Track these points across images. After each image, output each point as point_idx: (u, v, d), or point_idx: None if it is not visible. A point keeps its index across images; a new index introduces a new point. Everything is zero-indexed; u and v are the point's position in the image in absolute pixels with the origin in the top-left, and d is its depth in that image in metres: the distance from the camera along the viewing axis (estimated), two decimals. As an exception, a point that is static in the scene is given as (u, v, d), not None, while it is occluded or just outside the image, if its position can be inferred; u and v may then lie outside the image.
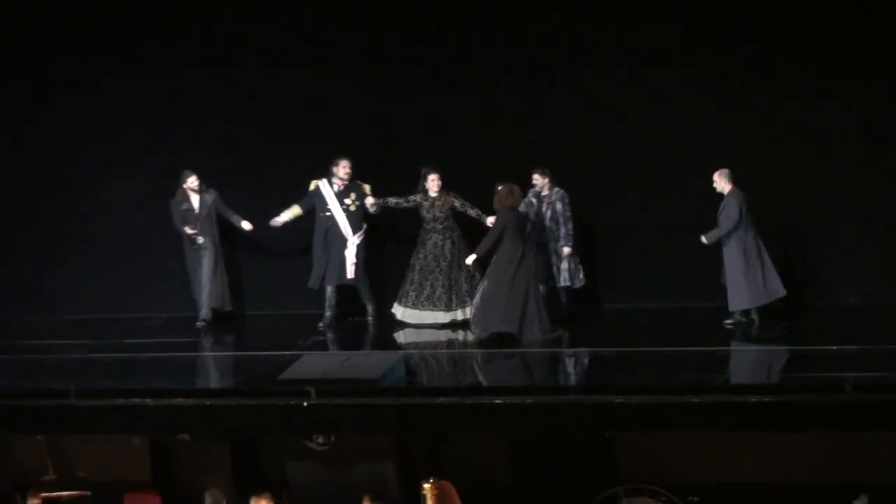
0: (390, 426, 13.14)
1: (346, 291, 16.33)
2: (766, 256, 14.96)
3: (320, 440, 13.47)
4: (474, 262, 15.45)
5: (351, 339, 15.77)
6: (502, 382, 13.57)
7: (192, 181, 16.16)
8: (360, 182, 15.93)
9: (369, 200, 15.80)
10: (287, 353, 14.37)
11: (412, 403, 12.84)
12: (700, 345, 14.12)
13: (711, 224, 15.25)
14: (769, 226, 15.62)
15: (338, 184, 15.69)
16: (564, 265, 15.52)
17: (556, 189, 15.75)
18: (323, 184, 15.84)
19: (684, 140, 16.22)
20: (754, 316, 14.90)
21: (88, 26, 17.40)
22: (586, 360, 14.39)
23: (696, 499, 12.81)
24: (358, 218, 15.74)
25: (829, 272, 15.99)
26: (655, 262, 16.35)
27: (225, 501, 13.75)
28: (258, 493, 13.22)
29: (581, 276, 15.65)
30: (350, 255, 15.80)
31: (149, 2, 17.41)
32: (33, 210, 17.61)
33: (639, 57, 16.32)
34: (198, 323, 16.17)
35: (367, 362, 13.57)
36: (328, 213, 15.80)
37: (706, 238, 15.02)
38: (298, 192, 16.36)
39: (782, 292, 14.97)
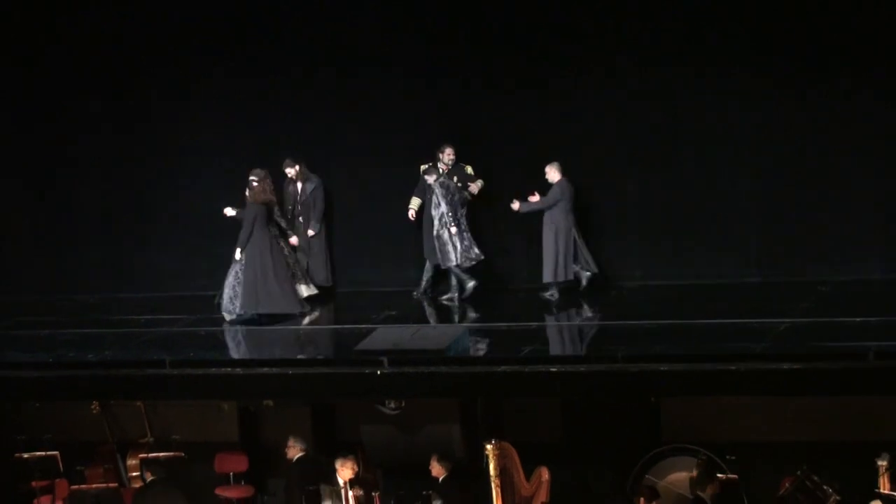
0: (455, 392, 13.32)
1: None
2: (578, 240, 15.40)
3: (392, 405, 13.58)
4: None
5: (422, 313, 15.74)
6: (556, 352, 13.52)
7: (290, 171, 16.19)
8: (462, 164, 16.00)
9: (476, 186, 15.89)
10: (364, 326, 14.43)
11: (475, 371, 12.97)
12: (723, 317, 14.05)
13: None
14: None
15: (443, 168, 15.81)
16: (454, 244, 15.65)
17: (443, 177, 15.98)
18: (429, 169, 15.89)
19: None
20: (555, 291, 15.35)
21: (182, 31, 17.26)
22: (627, 332, 14.08)
23: (732, 457, 12.67)
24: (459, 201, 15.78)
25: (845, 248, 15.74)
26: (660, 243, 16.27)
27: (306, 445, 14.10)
28: (344, 455, 13.41)
29: (475, 251, 15.66)
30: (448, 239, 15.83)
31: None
32: (133, 197, 17.58)
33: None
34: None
35: (433, 334, 13.71)
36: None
37: (516, 205, 15.46)
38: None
39: (590, 272, 15.43)
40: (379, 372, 12.89)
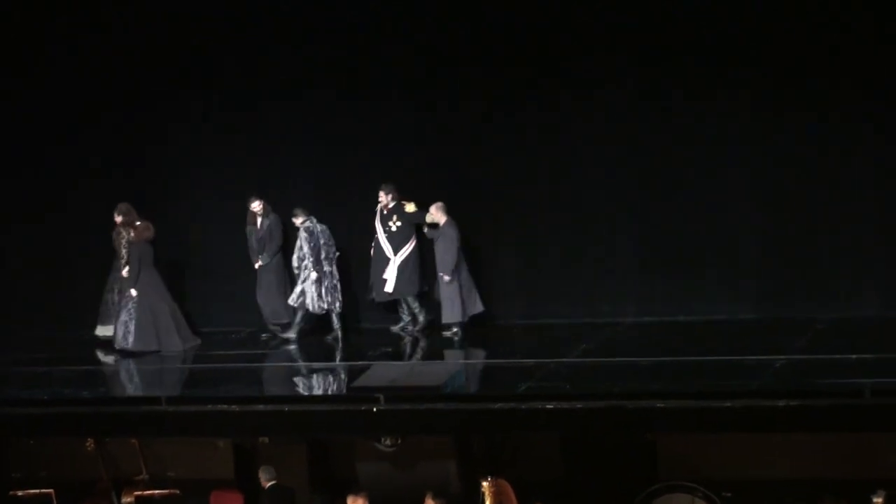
0: (451, 429, 13.29)
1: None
2: (469, 278, 15.57)
3: (388, 442, 13.60)
4: None
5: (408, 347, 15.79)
6: (552, 390, 13.30)
7: (255, 205, 16.25)
8: (403, 202, 15.92)
9: (410, 208, 15.85)
10: (359, 363, 14.56)
11: (471, 408, 12.94)
12: (719, 354, 14.12)
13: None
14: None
15: (384, 209, 15.86)
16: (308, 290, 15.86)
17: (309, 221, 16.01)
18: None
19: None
20: (457, 329, 15.40)
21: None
22: (622, 369, 14.10)
23: (729, 494, 12.78)
24: (401, 238, 15.83)
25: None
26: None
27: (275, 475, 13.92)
28: (355, 492, 13.16)
29: (324, 303, 15.83)
30: (390, 273, 15.90)
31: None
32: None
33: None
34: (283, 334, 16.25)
35: (430, 370, 14.01)
36: (377, 236, 15.99)
37: (447, 278, 15.39)
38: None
39: (478, 309, 15.55)
40: (375, 409, 12.83)
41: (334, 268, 15.91)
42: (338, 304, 15.84)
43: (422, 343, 15.96)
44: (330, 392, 14.61)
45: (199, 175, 17.39)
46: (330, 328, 16.18)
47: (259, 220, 16.26)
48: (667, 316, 15.76)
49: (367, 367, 14.13)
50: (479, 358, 14.37)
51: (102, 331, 16.46)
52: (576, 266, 16.18)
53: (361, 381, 13.52)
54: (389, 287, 15.85)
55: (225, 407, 13.77)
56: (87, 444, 14.46)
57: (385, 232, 15.86)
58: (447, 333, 15.69)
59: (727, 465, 13.21)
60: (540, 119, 16.42)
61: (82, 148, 17.53)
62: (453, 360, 14.26)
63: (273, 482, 13.85)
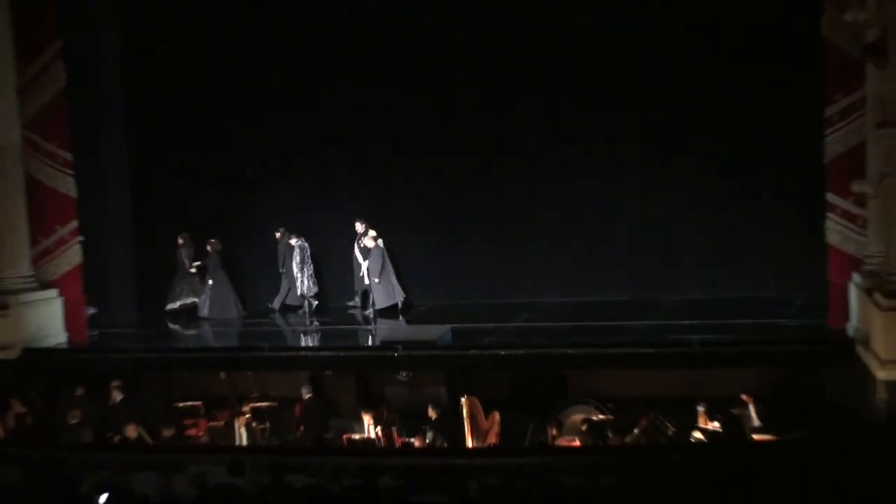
0: (442, 366, 13.42)
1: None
2: (391, 278, 15.24)
3: (404, 374, 13.56)
4: None
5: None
6: (510, 342, 13.37)
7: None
8: (368, 229, 15.50)
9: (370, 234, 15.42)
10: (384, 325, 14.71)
11: (454, 354, 13.26)
12: (605, 321, 14.04)
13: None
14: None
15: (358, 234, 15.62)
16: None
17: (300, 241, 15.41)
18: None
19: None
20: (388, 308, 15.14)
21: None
22: (549, 331, 13.97)
23: (610, 405, 12.52)
24: (366, 252, 15.44)
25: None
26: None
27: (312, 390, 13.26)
28: (366, 409, 12.81)
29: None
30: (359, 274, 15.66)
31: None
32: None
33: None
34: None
35: (428, 331, 13.78)
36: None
37: (374, 277, 15.08)
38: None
39: (401, 297, 15.31)
40: (396, 354, 13.12)
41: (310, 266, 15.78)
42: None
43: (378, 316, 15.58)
44: (366, 343, 14.59)
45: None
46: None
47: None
48: (577, 297, 15.41)
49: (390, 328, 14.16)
50: (456, 323, 14.03)
51: (170, 306, 16.39)
52: (520, 262, 15.83)
53: (385, 337, 13.87)
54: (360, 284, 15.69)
55: (304, 352, 14.31)
56: (221, 375, 14.45)
57: (358, 248, 15.68)
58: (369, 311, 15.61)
59: (609, 387, 13.07)
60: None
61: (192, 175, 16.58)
62: (442, 324, 13.97)
63: (310, 395, 13.29)
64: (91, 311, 15.44)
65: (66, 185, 14.81)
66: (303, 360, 14.01)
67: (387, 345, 13.51)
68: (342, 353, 13.79)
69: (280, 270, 16.01)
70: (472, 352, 13.15)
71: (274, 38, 15.91)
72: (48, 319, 14.63)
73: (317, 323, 15.63)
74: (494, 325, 14.26)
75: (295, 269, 15.71)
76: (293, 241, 15.75)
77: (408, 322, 15.02)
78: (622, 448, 10.78)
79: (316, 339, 15.12)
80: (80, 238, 15.07)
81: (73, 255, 14.98)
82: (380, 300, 15.55)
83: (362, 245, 15.65)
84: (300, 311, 15.93)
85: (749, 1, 13.99)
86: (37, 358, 14.24)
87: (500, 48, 15.33)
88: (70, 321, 14.89)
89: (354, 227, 15.61)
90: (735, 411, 11.57)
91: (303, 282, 15.72)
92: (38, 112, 14.61)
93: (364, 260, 15.61)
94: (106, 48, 15.53)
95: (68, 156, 14.79)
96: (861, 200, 12.33)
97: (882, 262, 11.60)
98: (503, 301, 15.61)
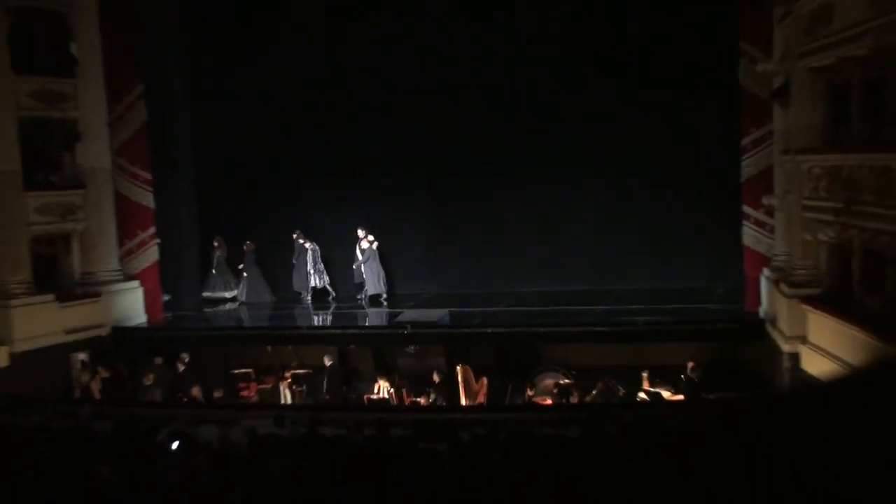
0: (442, 341, 13.32)
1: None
2: (380, 270, 14.88)
3: (412, 348, 13.40)
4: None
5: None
6: (495, 322, 13.35)
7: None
8: (367, 234, 15.25)
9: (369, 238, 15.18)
10: (396, 309, 14.51)
11: (452, 332, 13.29)
12: (568, 305, 14.04)
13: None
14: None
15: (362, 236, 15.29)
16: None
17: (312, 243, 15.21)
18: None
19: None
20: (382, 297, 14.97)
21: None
22: (524, 313, 13.99)
23: (574, 372, 12.39)
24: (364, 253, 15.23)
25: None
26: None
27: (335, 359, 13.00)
28: (381, 376, 12.64)
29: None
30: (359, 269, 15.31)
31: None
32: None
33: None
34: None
35: (432, 314, 13.86)
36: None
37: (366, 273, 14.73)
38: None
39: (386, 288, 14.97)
40: (406, 332, 13.15)
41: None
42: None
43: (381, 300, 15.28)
44: (382, 323, 14.40)
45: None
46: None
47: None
48: (548, 287, 15.18)
49: (400, 313, 13.98)
50: (453, 307, 13.99)
51: (206, 293, 16.13)
52: (503, 259, 15.62)
53: (398, 319, 13.78)
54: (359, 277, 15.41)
55: (333, 330, 14.23)
56: (268, 348, 14.31)
57: (359, 249, 15.44)
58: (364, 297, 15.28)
59: (573, 358, 12.89)
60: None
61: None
62: (442, 308, 13.95)
63: (332, 363, 12.98)
64: (165, 297, 15.53)
65: (146, 199, 15.03)
66: (332, 336, 14.01)
67: (398, 325, 13.48)
68: (363, 331, 13.89)
69: (293, 262, 15.87)
70: (465, 330, 13.25)
71: (301, 84, 15.81)
72: (132, 304, 14.84)
73: (334, 306, 15.61)
74: (483, 309, 14.27)
75: (309, 266, 15.66)
76: (308, 245, 15.74)
77: (413, 307, 14.79)
78: (583, 405, 10.81)
79: (341, 320, 15.00)
80: (157, 241, 15.18)
81: (151, 254, 15.15)
82: (371, 288, 15.35)
83: (361, 246, 15.47)
84: (304, 298, 15.81)
85: (686, 58, 14.04)
86: (123, 335, 14.35)
87: (488, 90, 15.28)
88: (149, 306, 15.03)
89: (356, 232, 15.42)
90: (684, 376, 11.53)
91: (314, 276, 15.66)
92: (124, 142, 14.88)
93: (361, 257, 15.39)
94: (176, 93, 15.55)
95: (148, 176, 14.98)
96: (769, 211, 12.46)
97: (786, 260, 11.65)
98: (490, 290, 15.51)
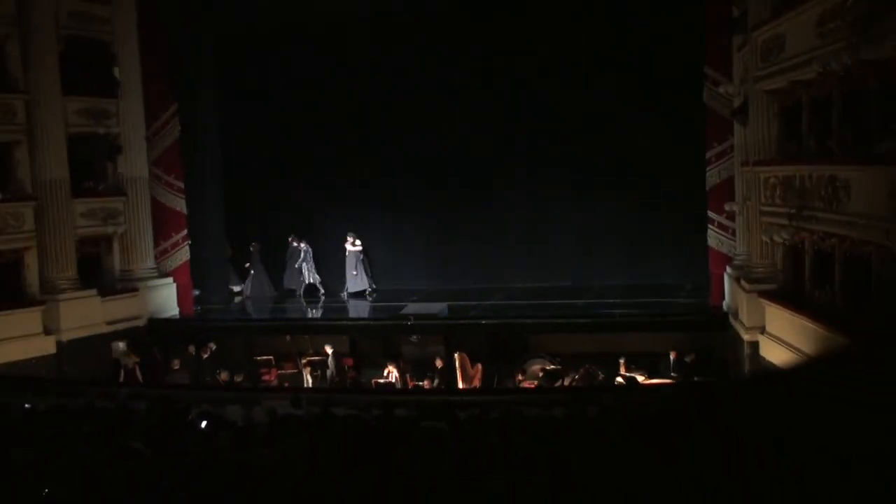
0: (441, 332, 13.22)
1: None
2: (360, 270, 14.89)
3: (415, 337, 13.28)
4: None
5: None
6: (488, 314, 13.40)
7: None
8: (354, 239, 15.30)
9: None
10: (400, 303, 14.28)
11: (450, 323, 13.22)
12: (551, 299, 13.96)
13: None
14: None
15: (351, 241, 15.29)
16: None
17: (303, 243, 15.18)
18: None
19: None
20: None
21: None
22: (514, 307, 13.89)
23: (558, 359, 12.27)
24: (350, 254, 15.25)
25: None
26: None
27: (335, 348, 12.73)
28: (389, 362, 12.28)
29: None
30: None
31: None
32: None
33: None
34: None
35: (432, 307, 13.71)
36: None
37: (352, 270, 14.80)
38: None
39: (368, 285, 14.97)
40: (409, 322, 13.11)
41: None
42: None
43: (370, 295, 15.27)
44: (388, 315, 14.18)
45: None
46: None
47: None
48: (535, 283, 15.09)
49: (404, 306, 13.89)
50: (451, 301, 13.95)
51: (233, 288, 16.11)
52: (496, 258, 15.46)
53: (403, 311, 13.64)
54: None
55: (345, 322, 14.13)
56: (287, 337, 14.16)
57: (346, 251, 15.41)
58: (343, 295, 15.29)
59: (558, 346, 12.75)
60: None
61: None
62: (441, 302, 13.88)
63: (333, 350, 12.82)
64: (196, 292, 15.53)
65: (180, 204, 15.15)
66: (344, 327, 14.02)
67: (402, 317, 13.41)
68: (371, 322, 13.88)
69: (285, 261, 15.87)
70: (462, 321, 13.26)
71: (313, 98, 15.72)
72: (166, 298, 14.92)
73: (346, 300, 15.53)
74: (477, 302, 14.29)
75: (302, 265, 15.67)
76: (301, 246, 15.71)
77: (416, 301, 14.61)
78: (567, 388, 10.74)
79: (350, 311, 14.91)
80: (189, 242, 15.23)
81: (183, 254, 15.22)
82: (352, 287, 15.34)
83: (347, 249, 15.48)
84: (297, 294, 15.75)
85: (659, 82, 14.05)
86: (158, 325, 14.37)
87: (478, 110, 15.25)
88: (181, 300, 15.08)
89: (346, 236, 15.39)
90: (673, 362, 11.46)
91: (307, 275, 15.63)
92: (160, 154, 15.03)
93: (347, 258, 15.37)
94: (206, 111, 15.55)
95: (181, 184, 15.13)
96: (731, 216, 12.48)
97: (746, 259, 11.62)
98: (484, 285, 15.40)
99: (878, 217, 7.46)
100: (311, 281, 15.74)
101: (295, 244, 15.70)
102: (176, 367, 12.34)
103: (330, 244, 16.00)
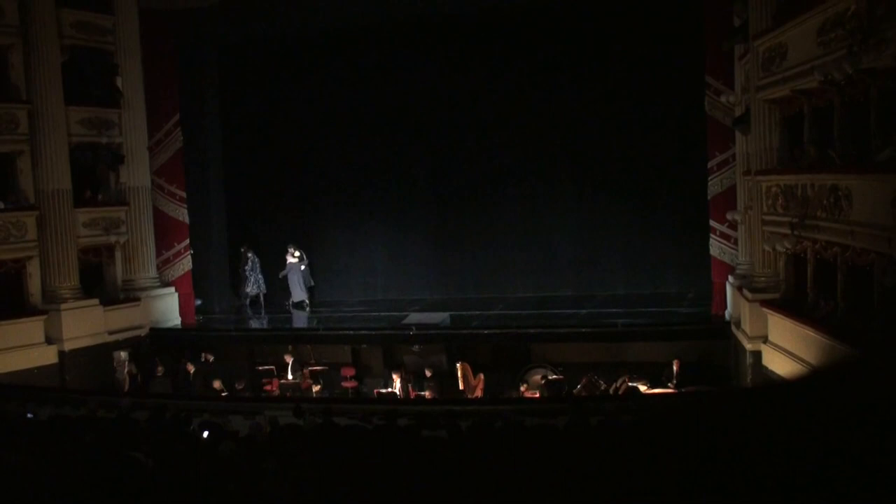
0: (443, 341, 13.08)
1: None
2: (301, 280, 15.00)
3: (417, 347, 13.16)
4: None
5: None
6: (490, 324, 13.27)
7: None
8: (294, 250, 15.32)
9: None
10: (402, 313, 14.22)
11: (451, 332, 13.09)
12: (555, 308, 13.79)
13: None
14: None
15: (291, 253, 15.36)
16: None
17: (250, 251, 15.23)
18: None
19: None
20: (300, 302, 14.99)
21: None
22: (515, 316, 13.76)
23: (561, 368, 12.29)
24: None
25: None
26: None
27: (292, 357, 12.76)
28: (395, 371, 12.28)
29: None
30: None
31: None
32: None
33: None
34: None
35: (434, 316, 13.63)
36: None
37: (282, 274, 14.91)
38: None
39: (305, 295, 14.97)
40: (411, 332, 13.02)
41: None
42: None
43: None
44: (389, 325, 14.06)
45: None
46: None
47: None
48: (537, 293, 15.05)
49: (405, 315, 13.75)
50: (453, 311, 13.90)
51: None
52: (497, 269, 15.44)
53: (405, 321, 13.56)
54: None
55: (347, 331, 13.90)
56: (289, 347, 13.99)
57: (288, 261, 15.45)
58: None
59: (560, 356, 12.75)
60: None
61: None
62: (443, 311, 13.83)
63: (293, 360, 12.92)
64: (197, 302, 15.58)
65: (182, 214, 15.25)
66: (346, 337, 13.82)
67: (405, 326, 13.34)
68: (374, 332, 13.63)
69: (279, 276, 15.77)
70: (464, 331, 13.13)
71: (317, 113, 15.80)
72: (168, 308, 14.99)
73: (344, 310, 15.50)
74: (479, 312, 14.21)
75: (297, 276, 15.64)
76: (251, 254, 15.78)
77: (418, 310, 14.57)
78: (569, 398, 10.72)
79: (353, 322, 14.78)
80: (191, 252, 15.30)
81: (185, 264, 15.27)
82: (294, 296, 15.46)
83: (287, 261, 15.58)
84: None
85: (662, 92, 14.10)
86: (160, 335, 14.40)
87: (486, 122, 15.32)
88: (183, 309, 15.14)
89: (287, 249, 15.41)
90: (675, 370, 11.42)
91: (252, 282, 15.76)
92: (163, 164, 15.11)
93: (288, 270, 15.46)
94: (209, 121, 15.66)
95: (183, 194, 15.25)
96: (733, 225, 12.44)
97: (748, 269, 11.61)
98: (486, 295, 15.41)
99: (879, 226, 7.49)
100: (259, 290, 15.77)
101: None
102: (159, 374, 12.33)
103: (333, 253, 16.06)
